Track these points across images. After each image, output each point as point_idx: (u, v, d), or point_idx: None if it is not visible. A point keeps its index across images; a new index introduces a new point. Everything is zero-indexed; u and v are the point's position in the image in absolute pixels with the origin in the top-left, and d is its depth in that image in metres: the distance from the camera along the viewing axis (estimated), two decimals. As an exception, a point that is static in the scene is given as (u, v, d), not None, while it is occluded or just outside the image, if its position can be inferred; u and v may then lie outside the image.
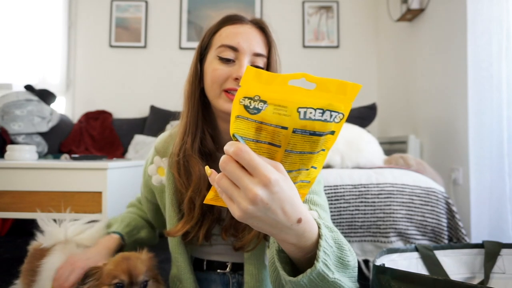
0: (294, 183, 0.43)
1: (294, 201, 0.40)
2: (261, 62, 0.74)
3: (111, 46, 3.07)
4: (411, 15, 2.43)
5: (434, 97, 2.22)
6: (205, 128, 0.77)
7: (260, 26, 0.76)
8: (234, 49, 0.72)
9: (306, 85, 0.39)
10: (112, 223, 0.93)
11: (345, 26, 3.12)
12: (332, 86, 0.39)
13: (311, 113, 0.38)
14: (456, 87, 1.96)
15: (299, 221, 0.41)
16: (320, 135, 0.39)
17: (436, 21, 2.21)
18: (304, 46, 3.10)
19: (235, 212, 0.40)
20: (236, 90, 0.70)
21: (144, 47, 3.08)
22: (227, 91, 0.72)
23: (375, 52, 3.13)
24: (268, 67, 0.75)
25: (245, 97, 0.38)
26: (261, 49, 0.74)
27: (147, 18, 3.09)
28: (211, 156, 0.78)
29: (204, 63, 0.77)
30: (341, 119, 0.39)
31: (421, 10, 2.35)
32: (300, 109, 0.37)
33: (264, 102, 0.37)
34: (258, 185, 0.38)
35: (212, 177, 0.41)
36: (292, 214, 0.40)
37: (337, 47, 3.10)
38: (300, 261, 0.49)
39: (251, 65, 0.71)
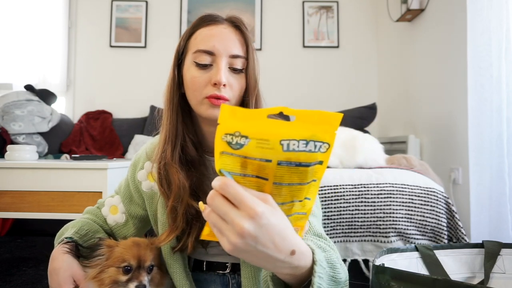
0: (289, 215, 0.43)
1: (285, 233, 0.40)
2: (239, 63, 0.73)
3: (111, 46, 3.08)
4: (411, 15, 2.43)
5: (434, 97, 2.22)
6: (186, 135, 0.76)
7: (235, 25, 0.75)
8: (210, 53, 0.71)
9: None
10: (63, 232, 0.85)
11: (345, 26, 3.12)
12: (313, 117, 0.39)
13: (294, 144, 0.38)
14: (456, 87, 1.96)
15: (293, 253, 0.41)
16: (307, 165, 0.39)
17: (435, 21, 2.21)
18: (304, 46, 3.10)
19: (225, 246, 0.39)
20: (216, 96, 0.70)
21: (144, 47, 3.08)
22: (208, 97, 0.71)
23: (375, 52, 3.13)
24: (247, 67, 0.74)
25: (226, 134, 0.38)
26: (238, 50, 0.72)
27: (147, 18, 3.10)
28: (194, 163, 0.77)
29: (182, 68, 0.76)
30: (327, 149, 0.40)
31: (420, 10, 2.35)
32: (283, 142, 0.38)
33: (246, 137, 0.38)
34: (245, 218, 0.37)
35: (204, 213, 0.41)
36: (284, 247, 0.40)
37: (337, 47, 3.10)
38: (294, 284, 0.49)
39: (229, 68, 0.71)
